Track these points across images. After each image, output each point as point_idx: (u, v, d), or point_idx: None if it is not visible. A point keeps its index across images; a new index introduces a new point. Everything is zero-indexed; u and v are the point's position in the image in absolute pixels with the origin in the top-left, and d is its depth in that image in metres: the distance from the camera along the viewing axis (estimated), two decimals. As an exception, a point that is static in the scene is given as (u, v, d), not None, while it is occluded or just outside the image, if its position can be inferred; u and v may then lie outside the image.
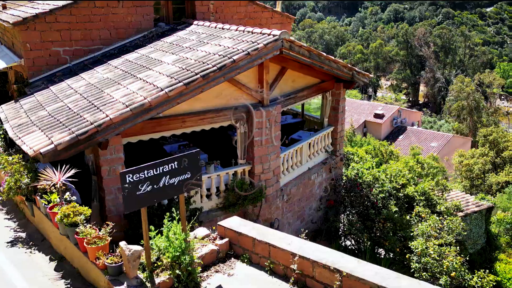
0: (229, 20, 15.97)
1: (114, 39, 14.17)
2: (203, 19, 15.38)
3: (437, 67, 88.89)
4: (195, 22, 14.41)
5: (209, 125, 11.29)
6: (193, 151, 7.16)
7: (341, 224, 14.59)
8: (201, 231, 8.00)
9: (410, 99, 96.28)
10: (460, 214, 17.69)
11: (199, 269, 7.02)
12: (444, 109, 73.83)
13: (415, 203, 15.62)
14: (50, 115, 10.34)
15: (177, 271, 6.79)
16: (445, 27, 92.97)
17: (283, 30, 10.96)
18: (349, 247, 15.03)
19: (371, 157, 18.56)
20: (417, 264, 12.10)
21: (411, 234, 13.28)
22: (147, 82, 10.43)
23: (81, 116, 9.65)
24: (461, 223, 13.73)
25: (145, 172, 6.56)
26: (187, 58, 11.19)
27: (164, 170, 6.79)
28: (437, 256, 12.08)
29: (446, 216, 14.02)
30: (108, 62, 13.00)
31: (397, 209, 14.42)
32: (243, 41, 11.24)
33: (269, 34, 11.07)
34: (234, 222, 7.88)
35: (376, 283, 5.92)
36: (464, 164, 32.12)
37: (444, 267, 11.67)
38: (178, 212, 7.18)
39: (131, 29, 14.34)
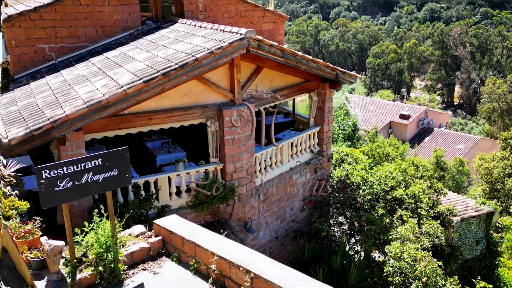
0: (218, 19, 15.94)
1: (100, 37, 14.36)
2: (191, 18, 15.42)
3: (472, 68, 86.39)
4: (180, 21, 14.45)
5: (178, 123, 11.29)
6: (121, 148, 7.15)
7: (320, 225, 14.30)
8: (138, 228, 8.00)
9: (445, 100, 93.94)
10: (456, 218, 17.12)
11: (123, 266, 7.01)
12: (478, 111, 71.72)
13: (404, 206, 15.21)
14: (18, 110, 10.54)
15: (100, 268, 6.81)
16: (482, 27, 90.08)
17: (249, 29, 10.84)
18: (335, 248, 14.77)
19: (367, 158, 18.16)
20: (390, 268, 11.75)
21: (390, 237, 12.91)
22: (112, 79, 10.51)
23: (42, 112, 9.80)
24: (439, 228, 13.27)
25: (64, 168, 6.58)
26: (157, 56, 11.23)
27: (87, 167, 6.80)
28: (411, 260, 11.71)
29: (425, 219, 13.56)
30: (90, 59, 13.18)
31: (383, 211, 14.07)
32: (212, 39, 11.19)
33: (236, 33, 10.98)
34: (169, 221, 7.83)
35: (280, 285, 5.77)
36: (483, 168, 31.05)
37: (417, 271, 11.30)
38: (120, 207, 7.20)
39: (117, 27, 14.50)
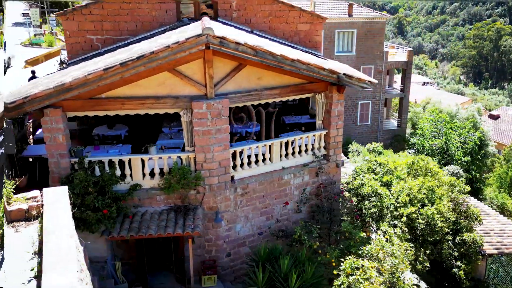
0: (252, 18, 16.51)
1: (140, 31, 16.13)
2: (225, 17, 16.34)
3: None
4: (204, 18, 15.46)
5: (150, 111, 12.42)
6: (5, 125, 8.60)
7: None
8: (34, 193, 9.35)
9: None
10: (493, 251, 15.13)
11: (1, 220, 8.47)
12: None
13: (414, 225, 14.08)
14: (29, 87, 12.81)
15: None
16: None
17: (207, 26, 11.35)
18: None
19: (408, 171, 16.83)
20: (337, 282, 11.25)
21: (360, 251, 12.21)
22: (97, 66, 12.09)
23: (33, 90, 11.84)
24: (408, 250, 12.04)
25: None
26: (141, 48, 12.48)
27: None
28: (361, 278, 11.05)
29: (399, 240, 12.37)
30: (119, 50, 15.04)
31: (388, 228, 13.29)
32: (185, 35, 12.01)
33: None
34: (53, 190, 8.95)
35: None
36: None
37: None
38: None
39: (154, 22, 16.12)
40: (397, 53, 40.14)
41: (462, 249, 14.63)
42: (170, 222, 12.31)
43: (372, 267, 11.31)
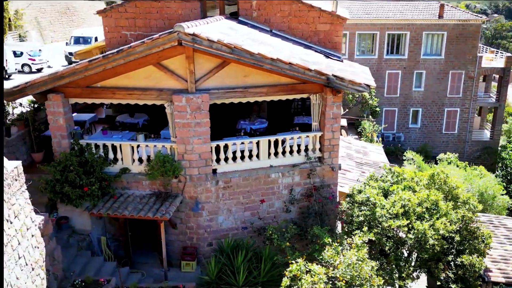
0: (271, 18, 16.74)
1: (168, 28, 17.22)
2: (245, 16, 16.83)
3: None
4: (219, 17, 16.15)
5: (138, 101, 13.46)
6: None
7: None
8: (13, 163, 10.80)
9: None
10: (500, 279, 13.75)
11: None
12: None
13: (403, 240, 13.37)
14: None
15: None
16: None
17: (178, 24, 11.97)
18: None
19: (428, 183, 15.74)
20: (284, 283, 11.22)
21: (321, 257, 11.95)
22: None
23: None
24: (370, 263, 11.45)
25: None
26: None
27: None
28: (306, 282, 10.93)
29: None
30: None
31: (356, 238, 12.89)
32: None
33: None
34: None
35: None
36: None
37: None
38: None
39: (180, 20, 17.09)
40: (495, 59, 36.73)
41: (459, 272, 13.48)
42: (147, 206, 13.23)
43: (323, 273, 11.09)
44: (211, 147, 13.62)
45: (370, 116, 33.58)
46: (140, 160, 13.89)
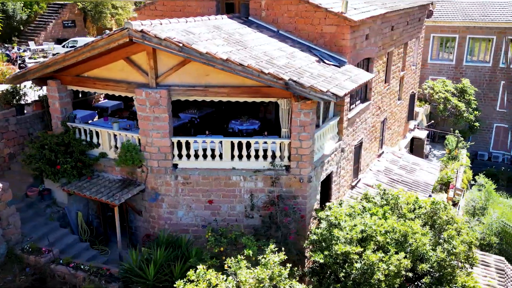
0: (279, 18, 16.20)
1: (189, 25, 17.98)
2: (255, 15, 16.65)
3: None
4: (225, 16, 16.31)
5: (113, 92, 14.48)
6: None
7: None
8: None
9: None
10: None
11: None
12: None
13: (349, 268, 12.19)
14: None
15: None
16: None
17: (128, 21, 12.51)
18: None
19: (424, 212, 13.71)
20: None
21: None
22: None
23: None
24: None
25: None
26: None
27: None
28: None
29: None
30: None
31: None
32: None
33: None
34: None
35: None
36: None
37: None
38: None
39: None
40: None
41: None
42: (107, 189, 14.18)
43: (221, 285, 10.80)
44: (173, 142, 13.96)
45: (468, 131, 29.77)
46: (117, 147, 14.86)
